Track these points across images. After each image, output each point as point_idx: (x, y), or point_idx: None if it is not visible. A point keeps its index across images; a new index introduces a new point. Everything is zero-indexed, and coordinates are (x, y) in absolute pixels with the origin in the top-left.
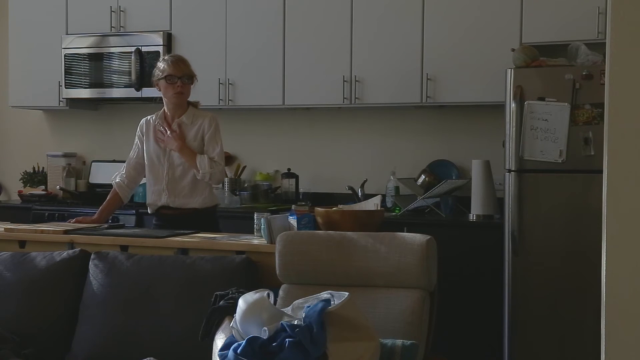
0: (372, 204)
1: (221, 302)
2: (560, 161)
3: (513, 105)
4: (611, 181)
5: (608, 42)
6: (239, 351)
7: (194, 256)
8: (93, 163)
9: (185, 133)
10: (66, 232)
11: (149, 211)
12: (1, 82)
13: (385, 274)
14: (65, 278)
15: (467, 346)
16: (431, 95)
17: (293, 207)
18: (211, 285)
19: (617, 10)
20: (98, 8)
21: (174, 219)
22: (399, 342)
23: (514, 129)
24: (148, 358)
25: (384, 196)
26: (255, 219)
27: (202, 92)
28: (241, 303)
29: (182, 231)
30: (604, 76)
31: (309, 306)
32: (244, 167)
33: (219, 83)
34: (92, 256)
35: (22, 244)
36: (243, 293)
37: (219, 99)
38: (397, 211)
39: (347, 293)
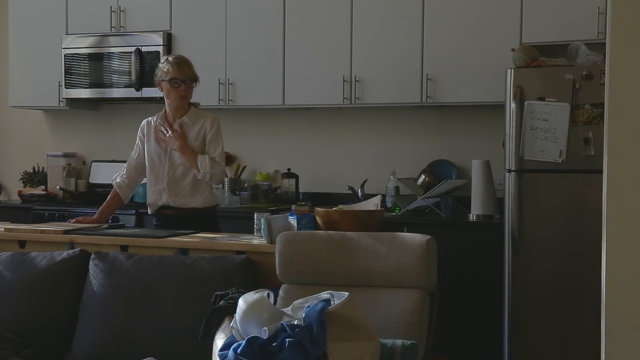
0: (372, 204)
1: (221, 302)
2: (560, 161)
3: (513, 105)
4: (611, 181)
5: (608, 42)
6: (239, 351)
7: (194, 256)
8: (93, 163)
9: (186, 133)
10: (66, 232)
11: (149, 211)
12: (1, 82)
13: (385, 274)
14: (65, 278)
15: (467, 346)
16: (431, 95)
17: (293, 207)
18: (211, 285)
19: (617, 10)
20: (98, 8)
21: (174, 219)
22: (399, 342)
23: (514, 129)
24: (148, 358)
25: (384, 196)
26: (255, 219)
27: (202, 92)
28: (241, 303)
29: (182, 231)
30: (604, 76)
31: (309, 306)
32: (244, 167)
33: (219, 83)
34: (92, 256)
35: (22, 244)
36: (243, 293)
37: (219, 99)
38: (397, 211)
39: (347, 293)
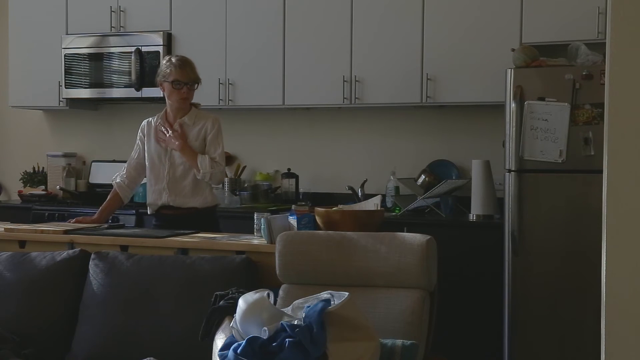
0: (372, 204)
1: (221, 302)
2: (560, 161)
3: (513, 105)
4: (611, 181)
5: (608, 42)
6: (239, 351)
7: (194, 256)
8: (93, 163)
9: (186, 133)
10: (66, 232)
11: (148, 211)
12: (1, 82)
13: (385, 274)
14: (65, 278)
15: (467, 346)
16: (431, 95)
17: (293, 207)
18: (211, 285)
19: (617, 10)
20: (98, 8)
21: (174, 219)
22: (399, 342)
23: (514, 129)
24: (148, 358)
25: (384, 196)
26: (255, 219)
27: (202, 92)
28: (241, 303)
29: (182, 231)
30: (604, 76)
31: (309, 306)
32: (244, 167)
33: (219, 83)
34: (92, 256)
35: (22, 244)
36: (243, 293)
37: (219, 99)
38: (397, 211)
39: (347, 293)
